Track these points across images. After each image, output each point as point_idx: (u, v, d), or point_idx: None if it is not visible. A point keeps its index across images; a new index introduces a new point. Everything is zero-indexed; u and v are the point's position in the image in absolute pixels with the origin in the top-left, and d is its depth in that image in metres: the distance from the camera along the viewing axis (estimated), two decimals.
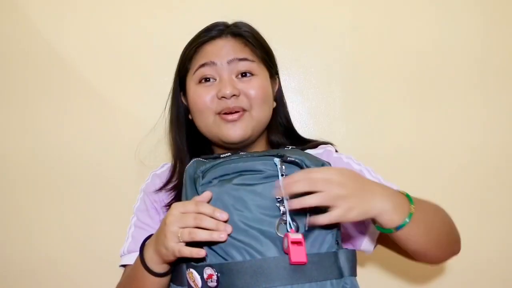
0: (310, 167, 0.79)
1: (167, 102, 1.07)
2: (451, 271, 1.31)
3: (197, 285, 0.76)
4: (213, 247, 0.77)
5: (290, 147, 0.99)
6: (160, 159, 1.19)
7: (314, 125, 1.34)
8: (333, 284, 0.75)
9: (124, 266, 0.98)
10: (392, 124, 1.34)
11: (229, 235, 0.74)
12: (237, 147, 0.98)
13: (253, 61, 0.98)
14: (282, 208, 0.76)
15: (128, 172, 1.29)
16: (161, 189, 1.00)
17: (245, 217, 0.76)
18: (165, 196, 1.00)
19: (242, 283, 0.73)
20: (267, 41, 1.05)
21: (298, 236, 0.73)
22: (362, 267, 1.30)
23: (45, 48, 1.36)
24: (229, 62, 0.96)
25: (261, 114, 0.98)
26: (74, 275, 1.33)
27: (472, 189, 1.33)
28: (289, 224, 0.75)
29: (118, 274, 0.98)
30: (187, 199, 0.83)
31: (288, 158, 0.79)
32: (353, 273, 0.78)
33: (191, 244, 0.75)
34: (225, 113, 0.95)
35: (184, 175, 0.86)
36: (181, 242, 0.75)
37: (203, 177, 0.82)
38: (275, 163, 0.79)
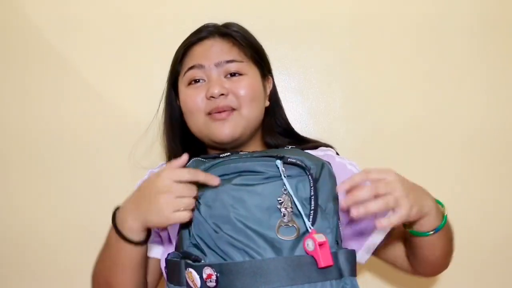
0: (311, 167, 0.79)
1: (159, 104, 1.07)
2: None
3: (196, 285, 0.76)
4: (212, 247, 0.77)
5: (290, 146, 0.98)
6: (155, 160, 1.19)
7: (314, 125, 1.34)
8: (332, 285, 0.75)
9: None
10: (392, 124, 1.34)
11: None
12: (230, 148, 0.98)
13: (241, 61, 0.98)
14: (283, 210, 0.76)
15: (123, 174, 1.29)
16: None
17: (245, 217, 0.76)
18: None
19: (242, 283, 0.73)
20: (258, 40, 1.04)
21: (323, 238, 0.73)
22: (361, 268, 1.30)
23: (45, 47, 1.36)
24: (217, 64, 0.97)
25: (250, 112, 0.97)
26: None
27: (472, 190, 1.34)
28: (309, 224, 0.75)
29: None
30: None
31: (289, 159, 0.79)
32: (353, 273, 0.78)
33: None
34: (215, 113, 0.95)
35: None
36: (182, 211, 0.76)
37: None
38: (276, 165, 0.79)
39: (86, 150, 1.35)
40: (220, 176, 0.81)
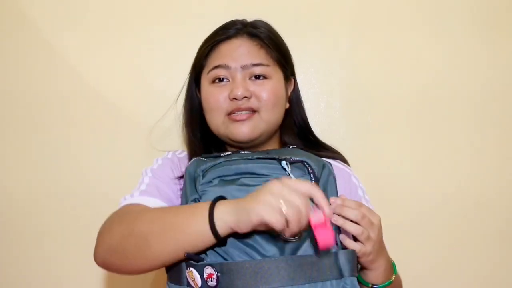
0: (313, 167, 0.80)
1: (179, 94, 1.08)
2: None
3: (197, 284, 0.76)
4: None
5: (291, 146, 0.99)
6: (170, 147, 1.18)
7: (314, 125, 1.32)
8: (333, 285, 0.75)
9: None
10: (392, 124, 1.35)
11: None
12: (247, 146, 0.98)
13: (267, 65, 0.98)
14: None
15: (126, 173, 1.29)
16: (181, 177, 0.95)
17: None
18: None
19: (242, 283, 0.73)
20: (284, 41, 1.04)
21: (320, 218, 0.68)
22: None
23: (46, 48, 1.36)
24: (243, 67, 0.96)
25: (271, 117, 0.97)
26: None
27: (472, 192, 1.34)
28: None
29: None
30: (186, 198, 0.83)
31: (292, 159, 0.80)
32: (353, 273, 0.79)
33: None
34: (234, 114, 0.96)
35: (185, 174, 0.86)
36: (281, 216, 0.68)
37: (203, 177, 0.82)
38: (283, 167, 0.80)
39: (86, 150, 1.35)
40: (221, 176, 0.81)
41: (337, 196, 0.83)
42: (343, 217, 0.79)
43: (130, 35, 1.36)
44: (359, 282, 0.86)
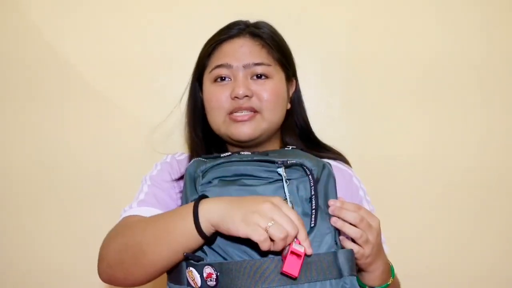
0: (311, 168, 0.80)
1: (182, 95, 1.08)
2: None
3: (197, 284, 0.76)
4: (213, 246, 0.77)
5: (291, 147, 0.99)
6: (171, 149, 1.19)
7: (314, 125, 1.33)
8: (332, 284, 0.75)
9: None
10: (392, 124, 1.35)
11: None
12: (248, 146, 0.99)
13: (269, 65, 0.98)
14: None
15: (129, 173, 1.30)
16: (180, 178, 0.97)
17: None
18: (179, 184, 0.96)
19: (242, 282, 0.73)
20: (286, 42, 1.05)
21: (301, 249, 0.69)
22: None
23: (46, 49, 1.36)
24: (245, 66, 0.97)
25: (272, 117, 0.98)
26: None
27: (472, 193, 1.34)
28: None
29: None
30: (186, 198, 0.83)
31: (289, 162, 0.80)
32: (353, 273, 0.79)
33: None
34: (236, 113, 0.96)
35: (185, 174, 0.86)
36: (264, 231, 0.68)
37: (203, 177, 0.82)
38: (278, 173, 0.80)
39: (86, 149, 1.36)
40: (220, 177, 0.81)
41: (336, 196, 0.83)
42: (342, 219, 0.79)
43: (130, 35, 1.36)
44: (358, 284, 0.85)
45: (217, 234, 0.75)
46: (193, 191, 0.82)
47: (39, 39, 1.36)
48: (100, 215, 1.32)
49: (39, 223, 1.35)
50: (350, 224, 0.79)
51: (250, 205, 0.70)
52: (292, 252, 0.69)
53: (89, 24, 1.36)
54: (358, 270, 0.86)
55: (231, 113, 0.96)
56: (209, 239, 0.75)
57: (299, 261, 0.69)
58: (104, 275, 0.84)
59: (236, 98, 0.95)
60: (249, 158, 0.84)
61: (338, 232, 0.81)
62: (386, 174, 1.34)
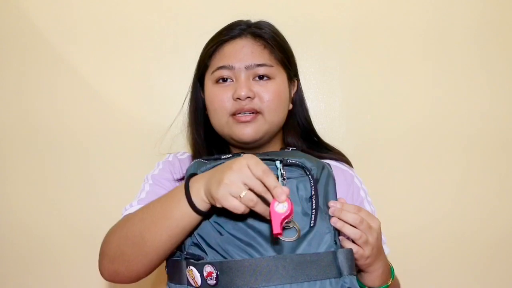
0: (311, 168, 0.80)
1: (185, 98, 1.08)
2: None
3: (197, 283, 0.77)
4: (213, 245, 0.77)
5: (291, 148, 0.99)
6: (174, 149, 1.19)
7: (314, 125, 1.33)
8: (332, 283, 0.75)
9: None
10: (391, 124, 1.35)
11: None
12: (251, 147, 0.99)
13: (271, 65, 0.98)
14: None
15: (129, 173, 1.30)
16: (181, 179, 0.97)
17: (245, 217, 0.76)
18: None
19: (241, 281, 0.73)
20: (288, 43, 1.05)
21: (277, 208, 0.69)
22: None
23: (47, 47, 1.37)
24: (247, 67, 0.97)
25: (274, 118, 0.98)
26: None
27: (474, 193, 1.34)
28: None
29: None
30: None
31: (288, 161, 0.80)
32: (352, 272, 0.79)
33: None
34: (239, 114, 0.96)
35: (185, 175, 0.86)
36: (237, 198, 0.70)
37: None
38: (276, 167, 0.79)
39: (85, 150, 1.36)
40: None
41: (336, 197, 0.83)
42: (343, 220, 0.79)
43: (130, 36, 1.36)
44: (358, 284, 0.85)
45: (213, 207, 0.75)
46: None
47: (39, 39, 1.36)
48: (100, 215, 1.32)
49: (39, 223, 1.36)
50: (350, 225, 0.79)
51: (223, 176, 0.71)
52: (273, 213, 0.69)
53: (89, 24, 1.37)
54: (357, 270, 0.86)
55: (233, 114, 0.96)
56: (207, 214, 0.76)
57: (279, 219, 0.68)
58: (106, 272, 0.84)
59: (238, 99, 0.95)
60: None
61: (338, 232, 0.82)
62: (385, 175, 1.34)
